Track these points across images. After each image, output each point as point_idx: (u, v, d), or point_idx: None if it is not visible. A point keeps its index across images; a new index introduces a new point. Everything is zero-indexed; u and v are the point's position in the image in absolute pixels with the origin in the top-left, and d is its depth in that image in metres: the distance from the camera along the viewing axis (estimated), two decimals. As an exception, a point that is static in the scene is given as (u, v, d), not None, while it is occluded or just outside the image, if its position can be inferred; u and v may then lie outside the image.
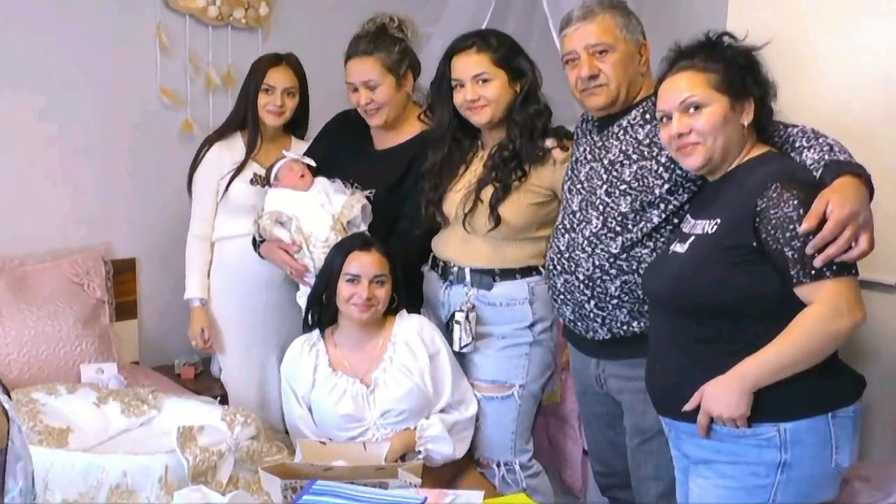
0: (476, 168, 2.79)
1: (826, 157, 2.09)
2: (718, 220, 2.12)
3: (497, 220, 2.69)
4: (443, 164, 2.82)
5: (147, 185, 3.59)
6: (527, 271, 2.76)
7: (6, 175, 3.31)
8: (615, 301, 2.47)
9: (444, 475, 2.72)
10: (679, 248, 2.20)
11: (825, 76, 2.93)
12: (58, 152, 3.42)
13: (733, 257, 2.06)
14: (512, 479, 2.83)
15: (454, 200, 2.78)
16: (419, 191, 2.85)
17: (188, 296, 3.28)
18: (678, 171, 2.36)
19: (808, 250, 1.96)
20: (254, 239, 3.06)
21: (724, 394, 2.05)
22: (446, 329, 2.81)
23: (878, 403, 2.75)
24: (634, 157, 2.44)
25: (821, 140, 2.15)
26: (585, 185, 2.53)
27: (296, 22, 3.81)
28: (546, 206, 2.73)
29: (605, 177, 2.48)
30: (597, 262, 2.47)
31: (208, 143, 3.27)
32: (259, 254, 3.06)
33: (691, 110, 2.13)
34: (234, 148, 3.24)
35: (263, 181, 3.04)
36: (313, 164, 3.00)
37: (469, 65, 2.68)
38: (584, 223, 2.50)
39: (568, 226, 2.55)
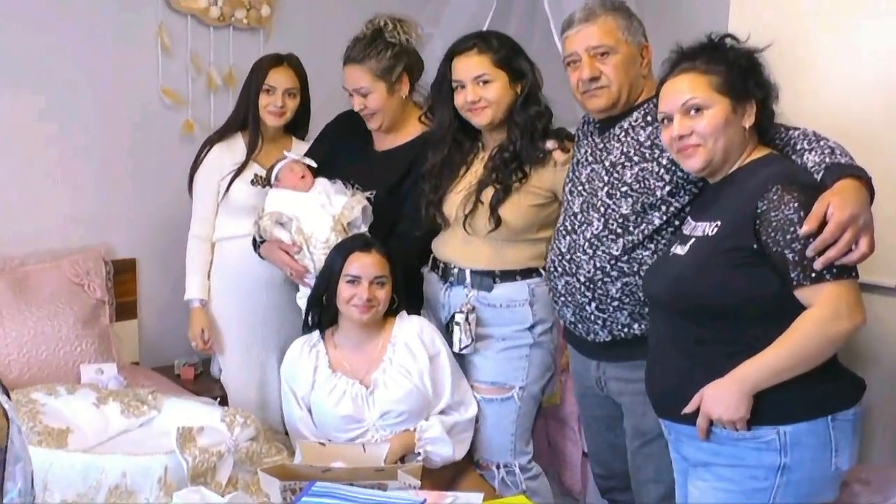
0: (476, 169, 2.79)
1: (827, 159, 2.09)
2: (719, 223, 2.11)
3: (497, 221, 2.69)
4: (443, 165, 2.82)
5: (148, 186, 3.59)
6: (527, 273, 2.76)
7: (6, 175, 3.31)
8: (616, 303, 2.47)
9: (443, 477, 2.72)
10: (679, 250, 2.19)
11: (826, 78, 2.93)
12: (58, 152, 3.42)
13: (734, 259, 2.05)
14: (511, 480, 2.83)
15: (454, 202, 2.78)
16: (419, 192, 2.85)
17: (188, 297, 3.28)
18: (679, 173, 2.35)
19: (809, 253, 1.96)
20: (254, 239, 3.06)
21: (723, 396, 2.04)
22: (446, 330, 2.81)
23: (878, 406, 2.75)
24: (636, 159, 2.43)
25: (822, 143, 2.15)
26: (587, 186, 2.53)
27: (297, 23, 3.82)
28: (546, 208, 2.73)
29: (606, 179, 2.48)
30: (598, 264, 2.46)
31: (209, 143, 3.27)
32: (259, 254, 3.06)
33: (692, 112, 2.13)
34: (234, 148, 3.24)
35: (264, 182, 3.04)
36: (314, 164, 3.00)
37: (470, 66, 2.68)
38: (585, 225, 2.50)
39: (569, 227, 2.55)
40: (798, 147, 2.17)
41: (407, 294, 2.83)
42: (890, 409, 2.82)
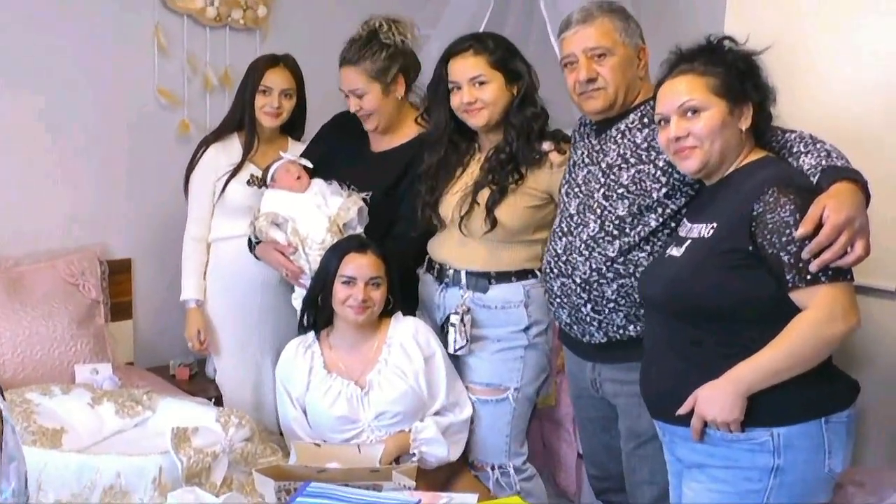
0: (473, 171, 2.79)
1: (823, 162, 2.09)
2: (715, 224, 2.11)
3: (493, 222, 2.69)
4: (439, 166, 2.82)
5: (144, 186, 3.59)
6: (523, 274, 2.76)
7: (5, 175, 3.31)
8: (612, 305, 2.47)
9: (438, 478, 2.72)
10: (675, 251, 2.20)
11: (824, 80, 2.93)
12: (57, 152, 3.42)
13: (729, 261, 2.05)
14: (506, 482, 2.83)
15: (450, 203, 2.78)
16: (416, 193, 2.85)
17: (184, 297, 3.27)
18: (676, 175, 2.36)
19: (804, 255, 1.96)
20: (249, 240, 3.06)
21: (717, 398, 2.04)
22: (441, 331, 2.81)
23: (873, 409, 2.75)
24: (632, 160, 2.44)
25: (818, 145, 2.15)
26: (583, 188, 2.53)
27: (294, 23, 3.82)
28: (542, 210, 2.73)
29: (602, 180, 2.48)
30: (594, 266, 2.46)
31: (205, 144, 3.27)
32: (255, 255, 3.06)
33: (689, 114, 2.13)
34: (230, 149, 3.23)
35: (260, 182, 3.04)
36: (310, 165, 3.00)
37: (466, 67, 2.68)
38: (581, 227, 2.50)
39: (565, 229, 2.55)
40: (794, 150, 2.17)
41: (402, 295, 2.83)
42: (885, 411, 2.82)
